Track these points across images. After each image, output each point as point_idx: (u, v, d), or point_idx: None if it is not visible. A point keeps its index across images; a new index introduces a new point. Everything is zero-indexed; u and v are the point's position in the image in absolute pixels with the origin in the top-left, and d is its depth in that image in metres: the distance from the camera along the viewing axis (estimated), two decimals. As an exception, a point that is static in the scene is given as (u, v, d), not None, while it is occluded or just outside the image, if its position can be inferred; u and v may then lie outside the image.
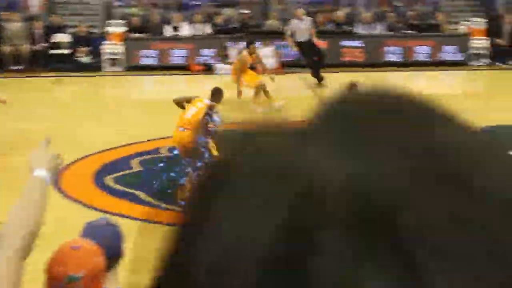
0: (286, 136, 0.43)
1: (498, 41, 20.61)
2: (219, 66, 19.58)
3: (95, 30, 21.18)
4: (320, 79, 16.99)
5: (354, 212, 0.38)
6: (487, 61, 20.59)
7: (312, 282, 0.37)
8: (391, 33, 21.07)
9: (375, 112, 0.43)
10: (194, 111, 9.54)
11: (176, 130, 9.45)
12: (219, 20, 21.25)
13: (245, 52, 15.42)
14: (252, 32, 20.69)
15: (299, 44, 17.45)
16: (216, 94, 10.35)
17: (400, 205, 0.38)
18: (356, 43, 20.58)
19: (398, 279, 0.37)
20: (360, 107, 0.44)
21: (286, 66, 19.12)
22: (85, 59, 20.28)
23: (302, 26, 17.44)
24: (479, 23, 21.10)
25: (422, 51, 20.72)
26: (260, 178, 0.40)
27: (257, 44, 19.60)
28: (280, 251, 0.38)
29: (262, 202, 0.39)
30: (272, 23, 21.16)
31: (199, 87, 18.58)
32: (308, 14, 20.23)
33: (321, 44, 17.73)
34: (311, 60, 17.33)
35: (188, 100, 9.92)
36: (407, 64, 20.28)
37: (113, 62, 20.24)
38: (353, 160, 0.40)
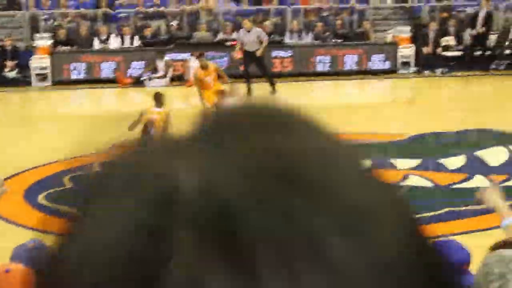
0: (160, 148, 0.47)
1: (424, 49, 21.04)
2: (150, 80, 19.49)
3: (22, 44, 20.80)
4: (249, 89, 17.19)
5: (203, 215, 0.42)
6: (414, 69, 20.99)
7: (164, 282, 0.40)
8: (321, 42, 21.28)
9: (243, 124, 0.47)
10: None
11: None
12: (147, 32, 21.13)
13: (197, 68, 15.39)
14: (181, 44, 20.65)
15: (245, 54, 17.83)
16: (157, 99, 10.70)
17: (242, 206, 0.42)
18: (286, 53, 20.73)
19: (237, 279, 0.40)
20: (232, 119, 0.48)
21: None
22: (12, 73, 19.91)
23: (249, 37, 17.72)
24: (405, 31, 21.50)
25: (351, 60, 20.99)
26: (125, 187, 0.44)
27: (187, 55, 19.64)
28: (136, 252, 0.41)
29: (122, 210, 0.43)
30: (201, 34, 21.16)
31: (128, 100, 18.46)
32: (235, 24, 20.41)
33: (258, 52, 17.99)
34: (261, 69, 17.74)
35: (141, 115, 10.25)
36: (337, 73, 20.52)
37: (42, 76, 19.90)
38: (211, 168, 0.44)
